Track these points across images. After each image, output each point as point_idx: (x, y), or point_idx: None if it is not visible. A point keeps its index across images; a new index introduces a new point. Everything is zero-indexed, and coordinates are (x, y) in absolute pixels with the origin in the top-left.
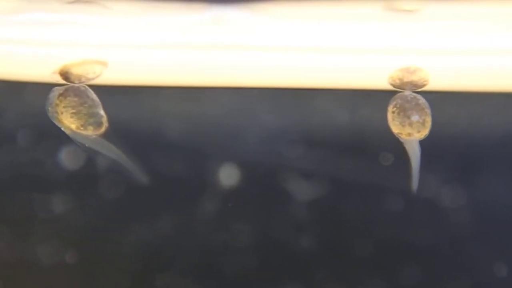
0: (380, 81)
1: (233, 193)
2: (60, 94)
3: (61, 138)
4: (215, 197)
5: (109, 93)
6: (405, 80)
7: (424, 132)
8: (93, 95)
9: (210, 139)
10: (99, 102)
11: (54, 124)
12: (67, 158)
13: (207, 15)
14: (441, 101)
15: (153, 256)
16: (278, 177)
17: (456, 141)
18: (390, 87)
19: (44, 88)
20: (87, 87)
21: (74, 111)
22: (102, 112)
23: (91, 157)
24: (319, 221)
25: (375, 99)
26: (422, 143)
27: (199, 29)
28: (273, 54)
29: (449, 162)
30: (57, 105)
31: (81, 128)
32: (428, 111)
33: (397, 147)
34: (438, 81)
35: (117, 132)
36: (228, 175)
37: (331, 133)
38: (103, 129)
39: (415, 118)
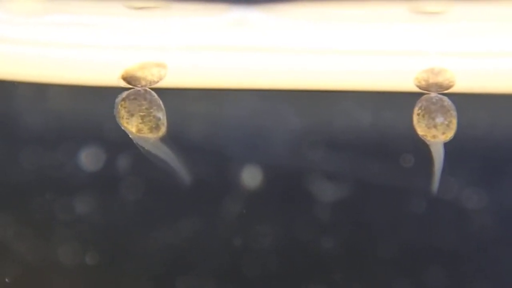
0: (405, 83)
1: (256, 195)
2: (123, 99)
3: (83, 140)
4: (238, 199)
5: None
6: (431, 81)
7: (450, 134)
8: (154, 98)
9: (233, 141)
10: (160, 105)
11: (76, 126)
12: (89, 160)
13: (229, 17)
14: (468, 103)
15: (175, 258)
16: (301, 179)
17: (481, 143)
18: (416, 89)
19: (69, 90)
20: (148, 90)
21: (134, 114)
22: (160, 115)
23: (113, 158)
24: (341, 223)
25: (399, 101)
26: (447, 145)
27: (221, 31)
28: (296, 56)
29: (474, 164)
30: (120, 109)
31: (141, 131)
32: (454, 113)
33: (420, 149)
34: (464, 83)
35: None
36: (251, 177)
37: (354, 135)
38: (161, 133)
39: (440, 120)
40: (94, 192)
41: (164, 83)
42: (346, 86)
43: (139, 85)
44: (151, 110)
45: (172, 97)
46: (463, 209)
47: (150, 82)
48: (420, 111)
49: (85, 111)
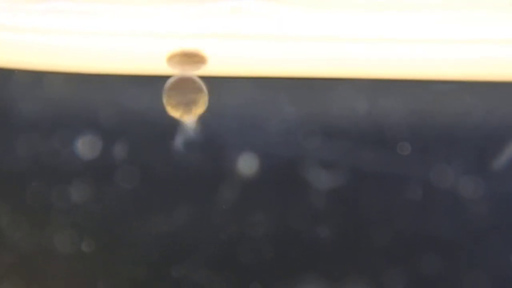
0: (403, 71)
1: (252, 184)
2: (168, 84)
3: (79, 127)
4: (233, 188)
5: (127, 83)
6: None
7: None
8: (197, 83)
9: (229, 129)
10: (202, 90)
11: (71, 113)
12: (84, 148)
13: (224, 5)
14: (459, 91)
15: (170, 246)
16: (297, 167)
17: (477, 131)
18: (414, 77)
19: (64, 78)
20: (192, 75)
21: (177, 99)
22: (202, 99)
23: (109, 146)
24: (337, 211)
25: (395, 89)
26: (442, 133)
27: (217, 19)
28: (292, 44)
29: (469, 152)
30: (166, 94)
31: (184, 115)
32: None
33: (416, 137)
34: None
35: (136, 121)
36: (246, 166)
37: (350, 123)
38: (197, 115)
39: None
40: (90, 180)
41: (159, 71)
42: (343, 74)
43: (184, 70)
44: (194, 95)
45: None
46: (458, 198)
47: (191, 68)
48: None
49: (83, 99)
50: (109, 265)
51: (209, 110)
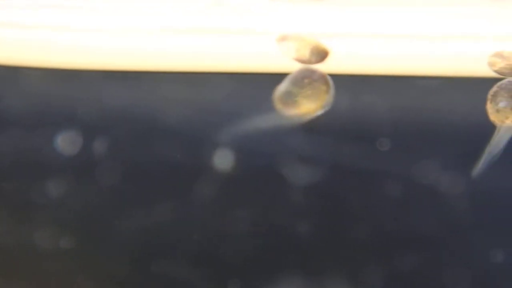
0: (387, 66)
1: (232, 179)
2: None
3: (60, 124)
4: (213, 183)
5: (109, 79)
6: (501, 65)
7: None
8: (321, 77)
9: (210, 124)
10: (322, 81)
11: (52, 110)
12: (65, 144)
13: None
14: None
15: (150, 242)
16: (277, 162)
17: (458, 128)
18: (397, 73)
19: (43, 73)
20: (314, 67)
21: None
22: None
23: (89, 143)
24: (317, 207)
25: (376, 85)
26: (423, 130)
27: (201, 13)
28: (272, 39)
29: (450, 149)
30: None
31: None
32: None
33: (396, 133)
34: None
35: (117, 117)
36: (227, 161)
37: (330, 119)
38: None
39: (503, 104)
40: (71, 176)
41: (143, 66)
42: (325, 69)
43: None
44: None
45: (150, 80)
46: (438, 194)
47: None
48: (489, 96)
49: (64, 95)
50: (89, 262)
51: (190, 105)
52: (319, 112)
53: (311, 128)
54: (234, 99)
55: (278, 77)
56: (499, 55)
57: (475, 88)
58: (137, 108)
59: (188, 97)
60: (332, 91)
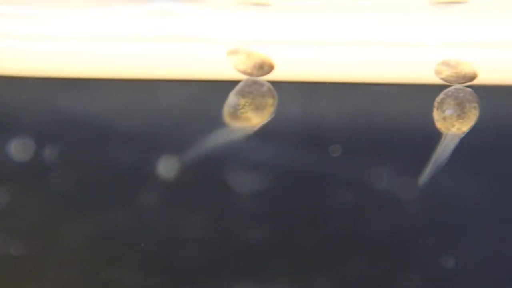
0: (338, 73)
1: (182, 186)
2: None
3: (9, 131)
4: (163, 190)
5: (59, 86)
6: (448, 73)
7: (463, 127)
8: (264, 88)
9: (160, 131)
10: (268, 94)
11: (4, 116)
12: (16, 151)
13: (153, 8)
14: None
15: (101, 249)
16: (228, 170)
17: (418, 134)
18: (350, 80)
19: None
20: (258, 79)
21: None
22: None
23: (41, 150)
24: (268, 213)
25: (326, 93)
26: (373, 136)
27: (145, 21)
28: (222, 46)
29: (402, 155)
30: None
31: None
32: (471, 105)
33: (347, 139)
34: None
35: (66, 124)
36: (177, 168)
37: (282, 126)
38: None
39: (449, 112)
40: (21, 182)
41: (93, 74)
42: (276, 77)
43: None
44: (262, 100)
45: (99, 87)
46: (390, 200)
47: (261, 74)
48: (436, 103)
49: (16, 101)
50: (39, 269)
51: (140, 112)
52: (263, 123)
53: (263, 135)
54: (183, 106)
55: (227, 84)
56: (446, 63)
57: (425, 95)
58: (87, 114)
59: (137, 104)
60: (276, 103)
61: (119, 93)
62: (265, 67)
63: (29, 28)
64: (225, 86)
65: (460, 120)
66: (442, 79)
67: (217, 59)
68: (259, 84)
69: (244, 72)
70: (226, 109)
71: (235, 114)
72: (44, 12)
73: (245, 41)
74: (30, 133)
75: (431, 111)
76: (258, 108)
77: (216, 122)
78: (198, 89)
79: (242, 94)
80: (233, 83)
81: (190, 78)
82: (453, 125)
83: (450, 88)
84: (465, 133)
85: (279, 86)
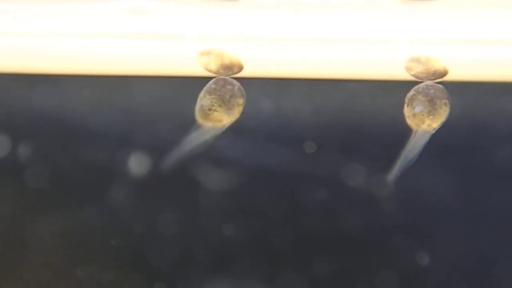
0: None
1: (154, 182)
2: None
3: None
4: (134, 187)
5: (32, 82)
6: (418, 70)
7: (433, 124)
8: (238, 90)
9: (132, 128)
10: (238, 94)
11: None
12: None
13: (122, 4)
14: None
15: (75, 246)
16: (201, 166)
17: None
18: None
19: None
20: (228, 79)
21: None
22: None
23: (14, 146)
24: (240, 210)
25: (300, 89)
26: (345, 133)
27: (116, 18)
28: (194, 43)
29: (371, 152)
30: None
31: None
32: (441, 101)
33: (322, 135)
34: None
35: (41, 121)
36: (149, 165)
37: (255, 122)
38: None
39: (419, 109)
40: None
41: (65, 70)
42: (250, 73)
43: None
44: (229, 99)
45: (71, 84)
46: (365, 197)
47: (230, 73)
48: (406, 100)
49: None
50: (12, 267)
51: (114, 108)
52: (232, 122)
53: (236, 132)
54: (155, 103)
55: (198, 81)
56: (416, 60)
57: (396, 91)
58: (59, 111)
59: (109, 101)
60: (244, 102)
61: (91, 90)
62: (235, 68)
63: (0, 24)
64: (196, 82)
65: (431, 117)
66: (413, 75)
67: (187, 56)
68: (228, 83)
69: (214, 72)
70: (197, 108)
71: (204, 113)
72: (15, 8)
73: (214, 37)
74: (1, 130)
75: (402, 107)
76: (228, 108)
77: (188, 118)
78: (169, 86)
79: (211, 93)
80: (205, 80)
81: (161, 75)
82: (424, 122)
83: (421, 85)
84: (436, 130)
85: (251, 82)
